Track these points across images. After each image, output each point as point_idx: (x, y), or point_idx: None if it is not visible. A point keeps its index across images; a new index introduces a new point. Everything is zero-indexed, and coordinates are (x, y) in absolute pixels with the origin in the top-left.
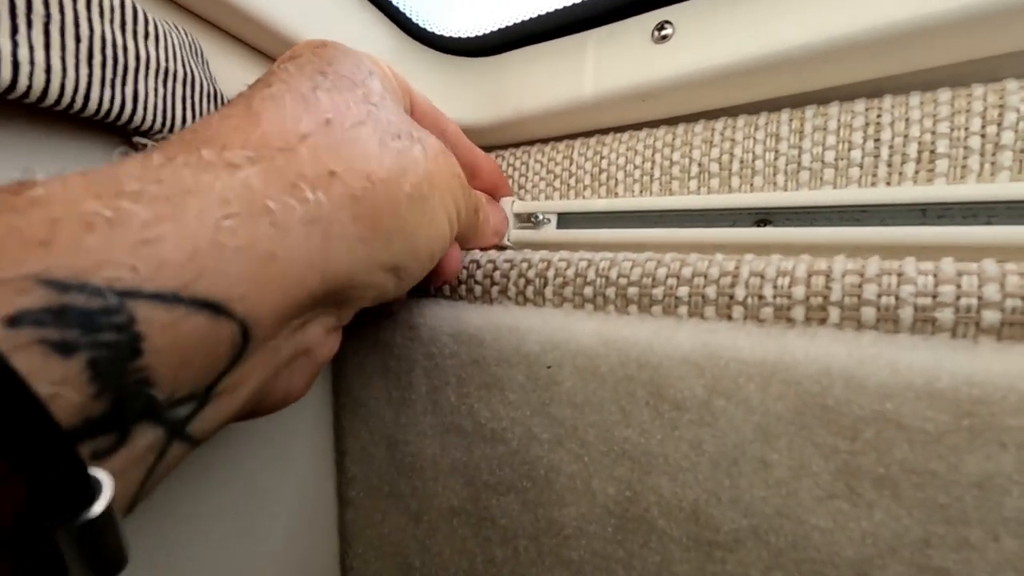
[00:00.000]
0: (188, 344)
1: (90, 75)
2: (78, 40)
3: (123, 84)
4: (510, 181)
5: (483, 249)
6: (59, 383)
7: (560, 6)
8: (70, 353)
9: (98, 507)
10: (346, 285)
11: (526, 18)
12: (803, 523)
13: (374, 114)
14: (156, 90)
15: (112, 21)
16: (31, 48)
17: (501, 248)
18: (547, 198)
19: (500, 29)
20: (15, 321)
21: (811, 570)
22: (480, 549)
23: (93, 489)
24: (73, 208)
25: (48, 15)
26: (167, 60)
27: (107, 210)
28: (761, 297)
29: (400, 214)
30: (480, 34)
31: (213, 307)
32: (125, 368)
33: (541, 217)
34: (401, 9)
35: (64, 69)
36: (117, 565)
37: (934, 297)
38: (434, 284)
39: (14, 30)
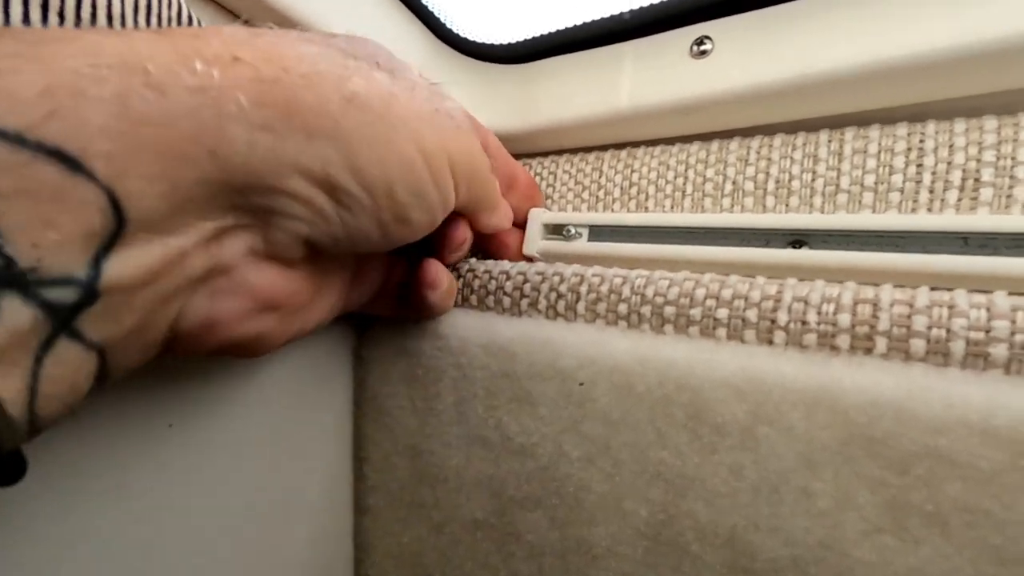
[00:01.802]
0: (42, 198)
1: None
2: None
3: None
4: None
5: (511, 260)
6: None
7: (598, 16)
8: None
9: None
10: (255, 184)
11: (562, 27)
12: (847, 556)
13: (333, 44)
14: None
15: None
16: None
17: (528, 260)
18: (575, 209)
19: (535, 37)
20: None
21: None
22: (503, 564)
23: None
24: None
25: None
26: None
27: None
28: (804, 323)
29: (330, 114)
30: (515, 41)
31: (67, 160)
32: None
33: (574, 231)
34: (436, 14)
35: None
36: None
37: (987, 332)
38: (442, 255)
39: None
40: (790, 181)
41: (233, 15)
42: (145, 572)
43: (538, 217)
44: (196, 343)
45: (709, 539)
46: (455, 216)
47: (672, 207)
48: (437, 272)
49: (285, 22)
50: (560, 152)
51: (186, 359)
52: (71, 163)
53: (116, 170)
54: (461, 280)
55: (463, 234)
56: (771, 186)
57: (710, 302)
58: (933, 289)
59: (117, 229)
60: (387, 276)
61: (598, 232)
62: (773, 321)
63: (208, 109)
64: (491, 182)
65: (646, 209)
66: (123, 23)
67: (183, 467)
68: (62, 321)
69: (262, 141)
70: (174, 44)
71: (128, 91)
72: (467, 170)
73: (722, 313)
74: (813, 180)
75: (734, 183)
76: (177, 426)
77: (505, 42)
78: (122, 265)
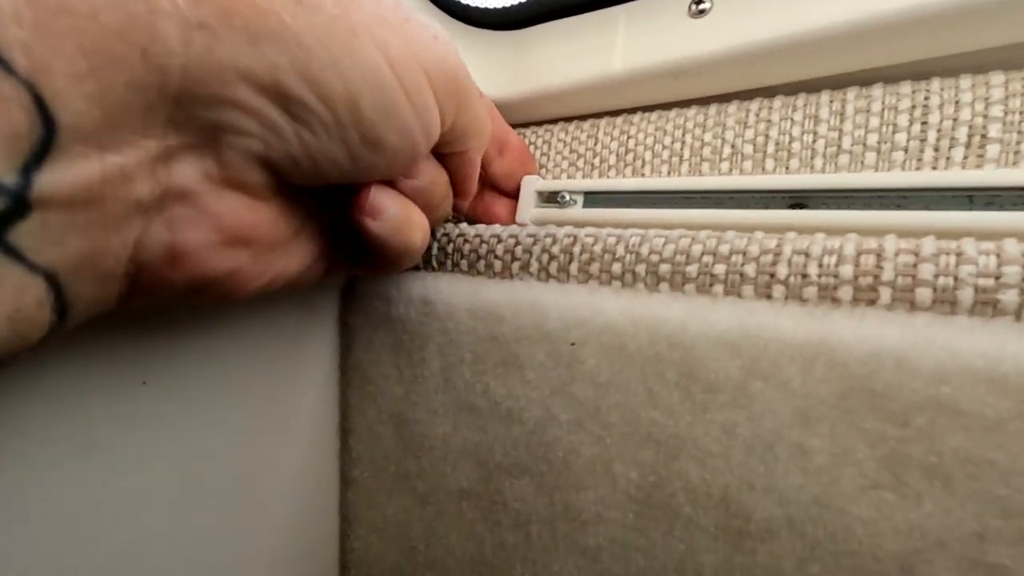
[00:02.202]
0: None
1: None
2: None
3: None
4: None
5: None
6: None
7: None
8: None
9: None
10: (194, 91)
11: None
12: (844, 513)
13: None
14: None
15: None
16: None
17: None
18: (569, 177)
19: (528, 2)
20: None
21: (851, 564)
22: (490, 533)
23: None
24: None
25: None
26: None
27: None
28: (805, 276)
29: (276, 13)
30: (508, 6)
31: None
32: None
33: (568, 197)
34: None
35: None
36: None
37: (997, 279)
38: (405, 178)
39: None
40: (790, 143)
41: None
42: (109, 537)
43: (531, 184)
44: (163, 279)
45: (701, 500)
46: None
47: (669, 172)
48: (381, 196)
49: None
50: (555, 120)
51: (163, 316)
52: None
53: (36, 63)
54: (451, 244)
55: (443, 188)
56: (771, 148)
57: (707, 258)
58: (940, 238)
59: (46, 135)
60: None
61: (593, 199)
62: (772, 275)
63: (138, 3)
64: (483, 114)
65: (643, 175)
66: None
67: (156, 428)
68: None
69: (199, 40)
70: None
71: None
72: (451, 88)
73: (719, 269)
74: (814, 141)
75: (733, 147)
76: (152, 384)
77: (498, 6)
78: (55, 177)
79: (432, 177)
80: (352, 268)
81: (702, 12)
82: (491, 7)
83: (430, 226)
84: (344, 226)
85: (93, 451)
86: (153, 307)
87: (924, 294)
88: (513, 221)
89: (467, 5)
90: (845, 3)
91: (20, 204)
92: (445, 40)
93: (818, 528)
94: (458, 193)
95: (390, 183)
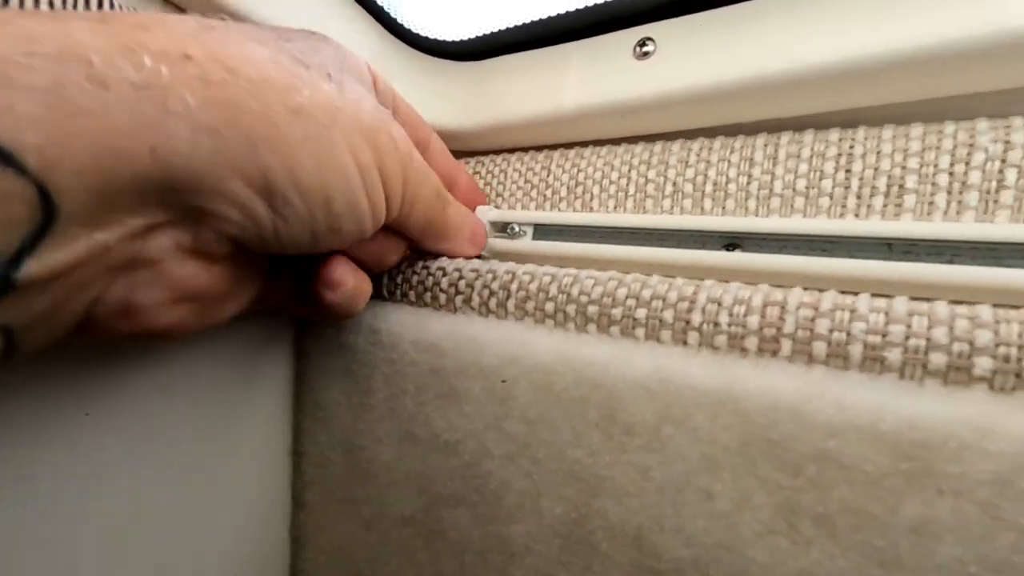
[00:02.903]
0: None
1: None
2: None
3: None
4: (487, 188)
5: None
6: None
7: (546, 15)
8: None
9: None
10: (192, 185)
11: (512, 25)
12: (742, 556)
13: (284, 48)
14: None
15: None
16: None
17: (478, 258)
18: (523, 208)
19: (485, 35)
20: None
21: None
22: (429, 561)
23: None
24: None
25: None
26: None
27: None
28: (716, 324)
29: (275, 123)
30: (465, 39)
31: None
32: None
33: (518, 229)
34: (386, 9)
35: None
36: None
37: (883, 336)
38: (370, 263)
39: None
40: (727, 184)
41: (178, 8)
42: (51, 567)
43: (484, 215)
44: (110, 327)
45: (618, 538)
46: (389, 233)
47: (616, 207)
48: (341, 272)
49: (230, 15)
50: (511, 151)
51: (107, 345)
52: (1, 156)
53: (48, 163)
54: (400, 276)
55: (389, 256)
56: (708, 188)
57: (630, 302)
58: (843, 292)
59: (45, 223)
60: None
61: (543, 231)
62: (687, 322)
63: (151, 105)
64: (439, 206)
65: (591, 209)
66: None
67: (100, 458)
68: None
69: (205, 143)
70: (118, 35)
71: (66, 82)
72: (399, 182)
73: (640, 313)
74: (748, 183)
75: (674, 185)
76: (95, 415)
77: (456, 39)
78: (43, 260)
79: (380, 245)
80: (289, 308)
81: (646, 55)
82: (449, 39)
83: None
84: (288, 276)
85: (34, 481)
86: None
87: (820, 347)
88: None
89: (425, 37)
90: (778, 52)
91: (3, 287)
92: (404, 148)
93: (720, 569)
94: (419, 240)
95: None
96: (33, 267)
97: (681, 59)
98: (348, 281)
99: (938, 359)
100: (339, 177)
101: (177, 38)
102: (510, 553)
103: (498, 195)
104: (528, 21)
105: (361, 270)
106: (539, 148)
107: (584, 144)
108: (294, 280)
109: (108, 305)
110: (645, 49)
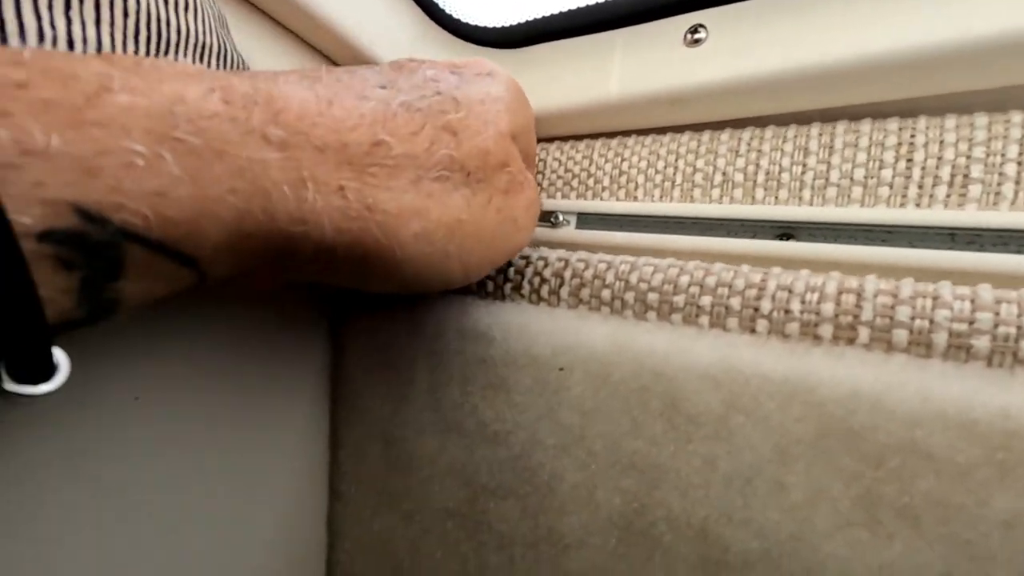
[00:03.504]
0: (156, 282)
1: (136, 51)
2: (126, 15)
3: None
4: None
5: None
6: (57, 291)
7: (590, 2)
8: (72, 269)
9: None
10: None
11: (555, 12)
12: (818, 550)
13: (433, 159)
14: (195, 64)
15: None
16: (83, 24)
17: None
18: (563, 197)
19: (527, 22)
20: (44, 237)
21: None
22: (474, 553)
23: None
24: (122, 140)
25: None
26: (203, 33)
27: (148, 152)
28: (788, 312)
29: (390, 250)
30: (507, 25)
31: (187, 260)
32: (104, 287)
33: (562, 218)
34: None
35: (113, 46)
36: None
37: (971, 323)
38: None
39: (67, 6)
40: (780, 173)
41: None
42: (97, 553)
43: None
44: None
45: (682, 530)
46: None
47: (661, 197)
48: None
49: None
50: (551, 139)
51: (155, 330)
52: (188, 261)
53: (212, 265)
54: None
55: None
56: (760, 178)
57: (693, 289)
58: (919, 280)
59: (198, 283)
60: None
61: (586, 220)
62: (756, 309)
63: (297, 231)
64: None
65: (635, 199)
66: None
67: (148, 442)
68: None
69: (324, 258)
70: (292, 156)
71: (248, 214)
72: (504, 254)
73: (705, 300)
74: (803, 173)
75: (724, 174)
76: (143, 399)
77: (498, 25)
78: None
79: None
80: None
81: (697, 42)
82: (491, 25)
83: None
84: None
85: (83, 464)
86: (145, 320)
87: (901, 335)
88: None
89: (467, 23)
90: (834, 41)
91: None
92: (527, 222)
93: (793, 563)
94: None
95: None
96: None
97: (734, 47)
98: None
99: None
100: (442, 279)
101: (340, 167)
102: (564, 545)
103: (539, 184)
104: (572, 8)
105: None
106: (580, 137)
107: (627, 133)
108: None
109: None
110: (696, 36)
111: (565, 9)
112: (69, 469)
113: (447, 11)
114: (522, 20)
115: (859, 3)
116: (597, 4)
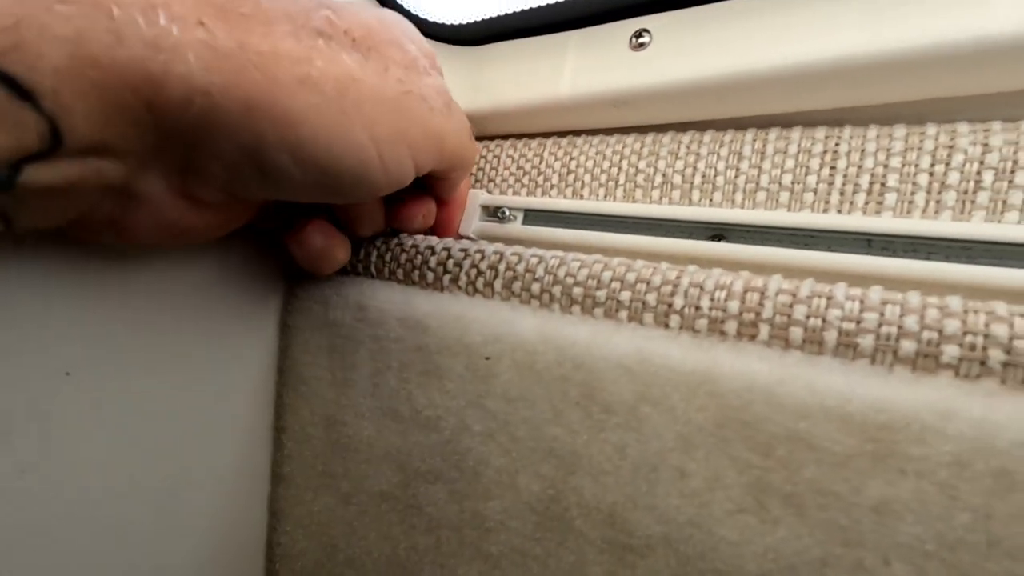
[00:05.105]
0: None
1: None
2: None
3: None
4: (480, 173)
5: (441, 236)
6: None
7: (545, 2)
8: None
9: None
10: (185, 139)
11: (510, 11)
12: (712, 534)
13: (311, 21)
14: None
15: None
16: None
17: (464, 239)
18: (515, 194)
19: (485, 20)
20: None
21: None
22: (404, 536)
23: None
24: None
25: None
26: None
27: None
28: (698, 308)
29: (274, 93)
30: (463, 23)
31: (19, 90)
32: None
33: (508, 213)
34: None
35: None
36: None
37: (858, 323)
38: (395, 222)
39: None
40: (715, 177)
41: None
42: (24, 536)
43: (476, 198)
44: (99, 235)
45: (591, 515)
46: (417, 193)
47: (606, 196)
48: (310, 233)
49: None
50: (505, 136)
51: (86, 303)
52: (22, 92)
53: (60, 105)
54: (389, 253)
55: (417, 212)
56: (697, 180)
57: (615, 284)
58: (819, 281)
59: (50, 149)
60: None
61: (533, 216)
62: (670, 305)
63: (156, 64)
64: (470, 153)
65: (581, 197)
66: None
67: (79, 420)
68: None
69: (199, 103)
70: None
71: (88, 32)
72: (434, 150)
73: (624, 295)
74: (736, 177)
75: (664, 176)
76: (74, 375)
77: (453, 23)
78: (40, 174)
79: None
80: (278, 237)
81: (642, 46)
82: (447, 22)
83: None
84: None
85: (11, 441)
86: (79, 299)
87: (796, 333)
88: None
89: (424, 19)
90: (771, 49)
91: (4, 184)
92: (440, 107)
93: (690, 547)
94: (441, 204)
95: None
96: (30, 177)
97: (675, 52)
98: (316, 244)
99: (908, 346)
100: (347, 150)
101: (199, 5)
102: (485, 529)
103: (490, 180)
104: (527, 8)
105: (339, 235)
106: (532, 135)
107: (577, 133)
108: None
109: (99, 218)
110: (641, 40)
111: (520, 9)
112: None
113: (404, 6)
114: (479, 18)
115: (792, 14)
116: (552, 4)
